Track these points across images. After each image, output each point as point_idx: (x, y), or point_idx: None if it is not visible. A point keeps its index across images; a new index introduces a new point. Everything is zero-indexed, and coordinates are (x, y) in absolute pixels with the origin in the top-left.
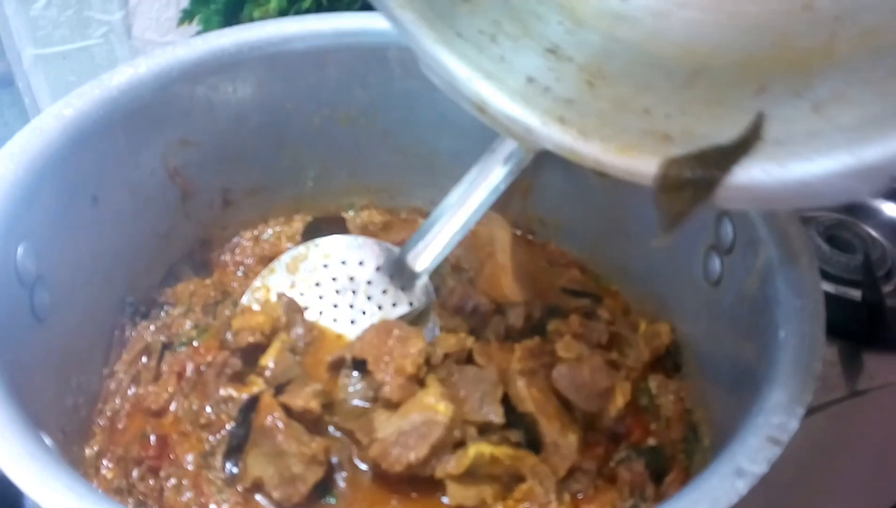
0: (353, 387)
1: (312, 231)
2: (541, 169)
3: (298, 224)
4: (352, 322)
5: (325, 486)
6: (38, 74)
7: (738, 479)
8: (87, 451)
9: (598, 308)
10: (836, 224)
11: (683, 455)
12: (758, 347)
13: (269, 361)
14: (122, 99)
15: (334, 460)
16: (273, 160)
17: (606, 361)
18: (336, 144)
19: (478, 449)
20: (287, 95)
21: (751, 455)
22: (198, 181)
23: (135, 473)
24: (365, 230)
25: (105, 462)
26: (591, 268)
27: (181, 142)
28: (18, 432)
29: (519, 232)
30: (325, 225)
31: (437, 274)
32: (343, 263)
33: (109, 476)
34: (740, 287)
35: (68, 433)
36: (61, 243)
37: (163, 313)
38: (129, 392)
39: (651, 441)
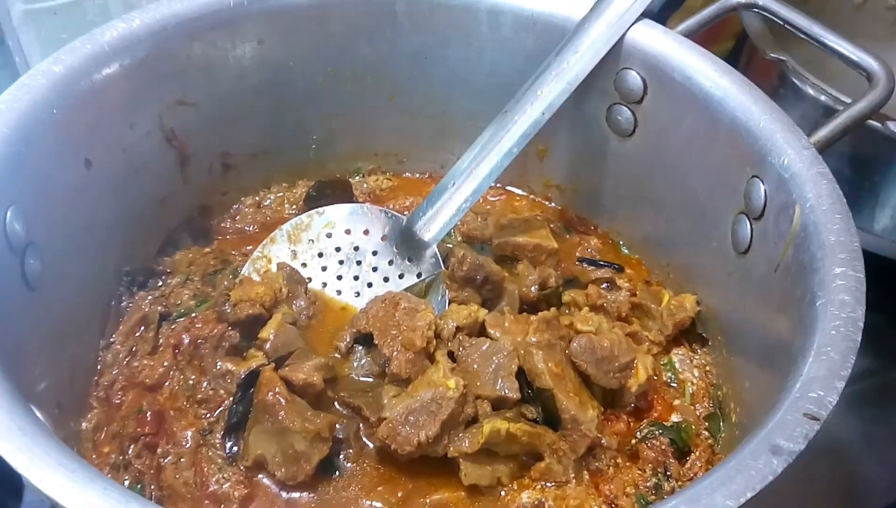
0: (357, 362)
1: (316, 197)
2: (557, 132)
3: (302, 190)
4: (357, 294)
5: (330, 464)
6: (29, 30)
7: (773, 457)
8: (85, 425)
9: (618, 278)
10: None
11: (708, 433)
12: (792, 318)
13: (269, 333)
14: (115, 56)
15: (340, 436)
16: (275, 122)
17: (627, 334)
18: (341, 104)
19: (493, 426)
20: (289, 52)
21: (787, 431)
22: (196, 144)
23: (131, 449)
24: (372, 196)
25: (102, 436)
26: (612, 236)
27: (178, 102)
28: (7, 405)
29: (535, 199)
30: (329, 190)
31: (445, 243)
32: (347, 232)
33: (106, 450)
34: (772, 255)
35: (64, 406)
36: (53, 208)
37: (160, 283)
38: (126, 365)
39: (675, 418)
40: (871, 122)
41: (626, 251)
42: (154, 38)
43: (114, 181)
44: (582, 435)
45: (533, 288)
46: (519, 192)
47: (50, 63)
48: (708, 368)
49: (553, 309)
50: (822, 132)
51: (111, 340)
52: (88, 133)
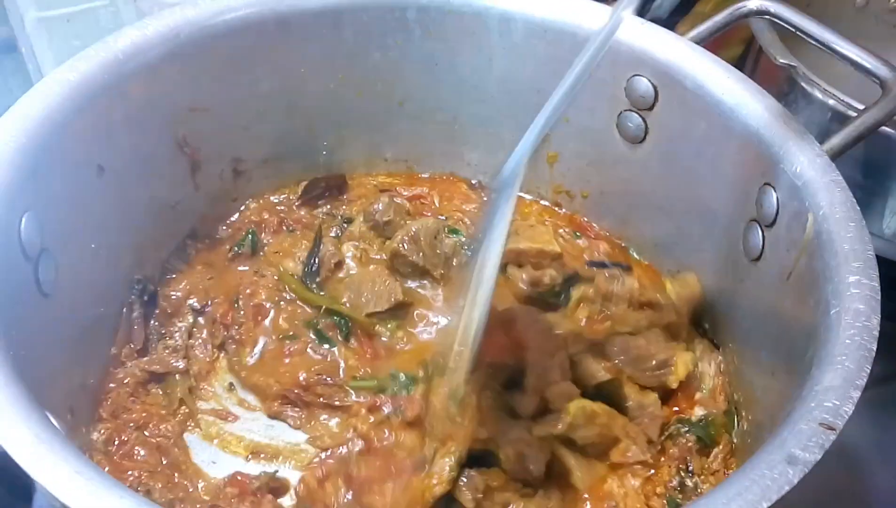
0: None
1: (311, 189)
2: (568, 139)
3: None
4: None
5: None
6: (42, 38)
7: (789, 466)
8: (95, 436)
9: (625, 278)
10: None
11: (724, 430)
12: (805, 326)
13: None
14: (127, 63)
15: None
16: (285, 128)
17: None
18: (352, 110)
19: (578, 404)
20: (301, 59)
21: (803, 441)
22: (207, 150)
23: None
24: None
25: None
26: (622, 242)
27: (190, 108)
28: (24, 412)
29: (546, 203)
30: (323, 183)
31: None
32: None
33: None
34: (784, 263)
35: (77, 412)
36: (66, 214)
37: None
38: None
39: (699, 411)
40: (883, 128)
41: (637, 257)
42: (166, 44)
43: (126, 187)
44: (653, 417)
45: (521, 284)
46: (528, 197)
47: (64, 71)
48: (723, 366)
49: (565, 323)
50: (835, 140)
51: (113, 352)
52: (101, 140)
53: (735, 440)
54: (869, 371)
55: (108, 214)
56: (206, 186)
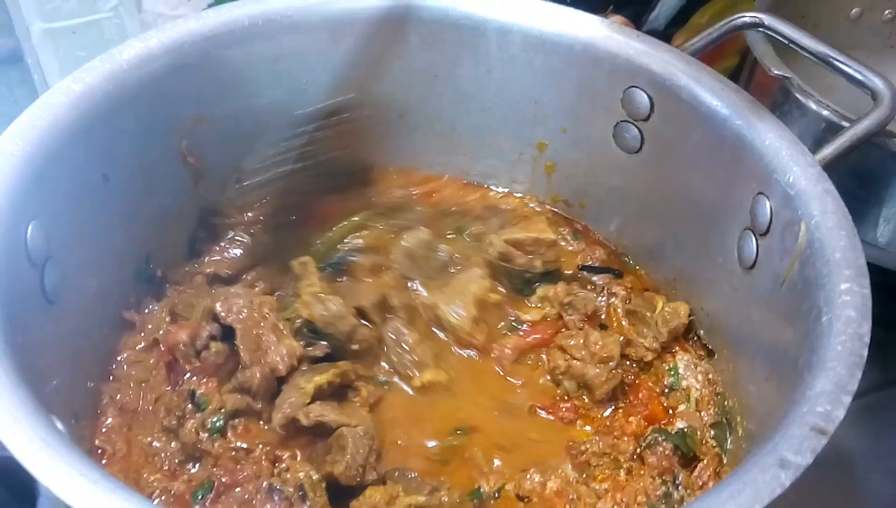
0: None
1: None
2: (565, 149)
3: None
4: None
5: None
6: (47, 49)
7: (781, 470)
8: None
9: (616, 284)
10: None
11: (714, 441)
12: (798, 333)
13: None
14: (132, 74)
15: None
16: (287, 138)
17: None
18: (352, 122)
19: None
20: (301, 71)
21: (795, 445)
22: (211, 160)
23: None
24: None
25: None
26: (619, 250)
27: (193, 119)
28: (30, 416)
29: (549, 207)
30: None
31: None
32: None
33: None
34: (778, 271)
35: (81, 417)
36: (72, 223)
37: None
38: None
39: (679, 424)
40: (875, 137)
41: (632, 264)
42: (170, 56)
43: (130, 197)
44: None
45: (490, 250)
46: (531, 204)
47: (70, 82)
48: (711, 376)
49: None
50: (828, 150)
51: (119, 358)
52: (106, 150)
53: (729, 449)
54: (860, 377)
55: (112, 222)
56: (210, 195)
